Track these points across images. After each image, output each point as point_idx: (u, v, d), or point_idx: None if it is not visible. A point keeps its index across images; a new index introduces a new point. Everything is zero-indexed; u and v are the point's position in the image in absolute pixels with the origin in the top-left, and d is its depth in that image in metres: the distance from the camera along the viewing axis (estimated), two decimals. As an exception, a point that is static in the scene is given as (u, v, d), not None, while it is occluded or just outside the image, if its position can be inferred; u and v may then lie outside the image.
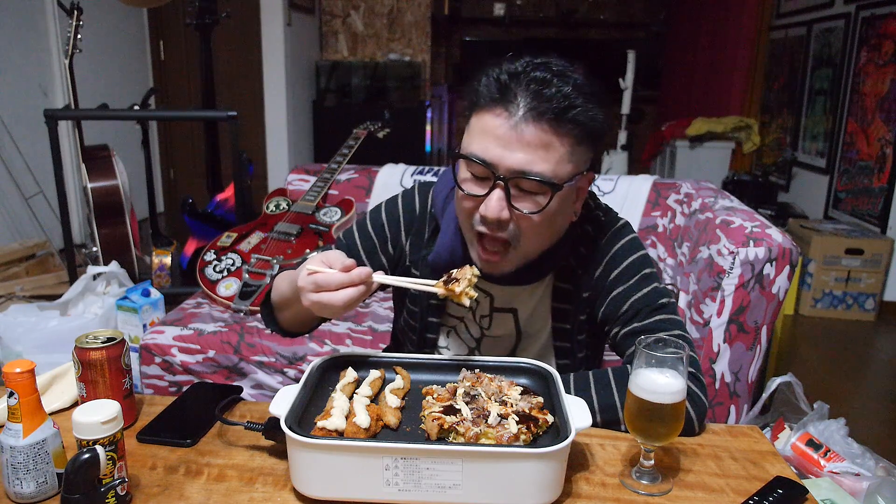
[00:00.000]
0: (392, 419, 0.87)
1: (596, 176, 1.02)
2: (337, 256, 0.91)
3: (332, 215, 2.32)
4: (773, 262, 1.52)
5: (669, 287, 1.86)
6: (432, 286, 0.93)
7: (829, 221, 3.99)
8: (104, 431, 0.75)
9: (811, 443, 1.69)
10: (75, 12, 2.68)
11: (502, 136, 0.89)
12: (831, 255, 3.55)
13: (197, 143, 4.90)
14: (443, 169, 2.02)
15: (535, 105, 0.88)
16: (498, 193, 0.91)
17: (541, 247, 0.99)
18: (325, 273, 0.88)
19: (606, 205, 1.12)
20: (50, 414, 0.83)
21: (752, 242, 1.54)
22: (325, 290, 0.88)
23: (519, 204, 0.92)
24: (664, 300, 1.03)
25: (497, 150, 0.89)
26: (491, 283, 1.09)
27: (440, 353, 1.18)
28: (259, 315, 1.97)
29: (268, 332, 1.70)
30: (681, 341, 0.87)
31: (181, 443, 0.91)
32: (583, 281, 1.07)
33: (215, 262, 2.15)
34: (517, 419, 0.83)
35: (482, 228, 0.95)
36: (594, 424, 0.96)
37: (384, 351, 1.27)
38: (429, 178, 2.38)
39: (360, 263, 1.12)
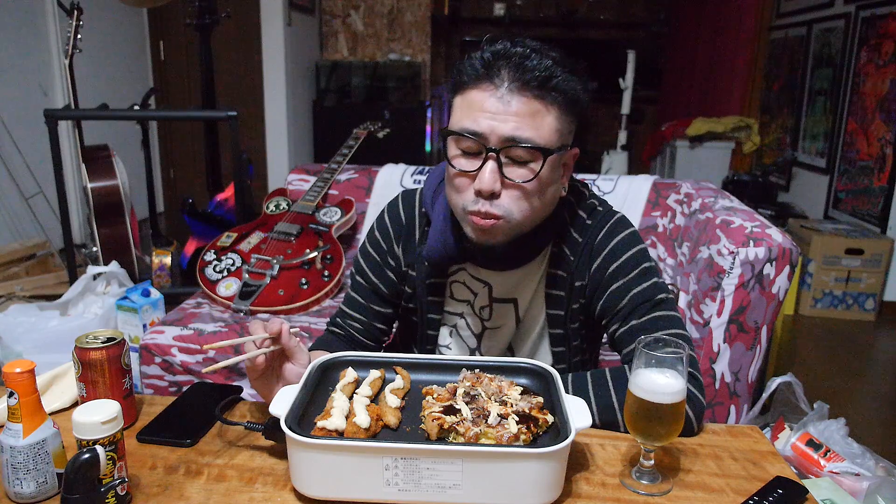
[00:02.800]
0: (392, 419, 0.87)
1: (578, 152, 1.04)
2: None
3: (332, 215, 2.32)
4: (773, 262, 1.52)
5: (669, 285, 1.86)
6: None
7: (829, 221, 3.99)
8: (104, 431, 0.75)
9: (811, 443, 1.69)
10: (75, 12, 2.68)
11: (490, 108, 0.92)
12: (831, 255, 3.55)
13: (197, 143, 4.90)
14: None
15: (520, 76, 0.92)
16: (491, 165, 0.93)
17: (533, 218, 1.00)
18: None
19: (602, 198, 1.13)
20: (50, 414, 0.83)
21: (752, 242, 1.54)
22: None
23: (511, 174, 0.94)
24: (663, 295, 1.04)
25: (487, 121, 0.92)
26: (487, 272, 1.10)
27: (441, 352, 1.19)
28: (258, 314, 1.97)
29: None
30: (680, 341, 0.87)
31: (181, 443, 0.91)
32: (576, 269, 1.08)
33: (215, 262, 2.15)
34: (517, 419, 0.83)
35: (476, 207, 0.96)
36: (593, 426, 0.96)
37: (386, 349, 1.27)
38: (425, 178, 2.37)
39: (371, 285, 1.18)
